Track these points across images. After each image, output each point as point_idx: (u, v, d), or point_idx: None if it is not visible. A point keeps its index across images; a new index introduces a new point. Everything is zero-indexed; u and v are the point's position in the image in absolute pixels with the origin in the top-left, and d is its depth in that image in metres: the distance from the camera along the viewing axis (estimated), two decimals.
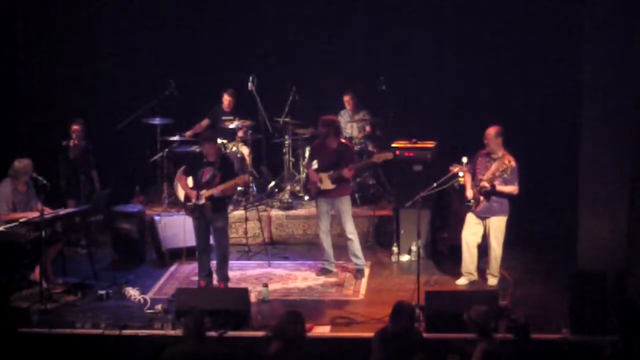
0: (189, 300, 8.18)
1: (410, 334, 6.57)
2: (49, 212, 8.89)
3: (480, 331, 6.43)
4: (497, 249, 9.02)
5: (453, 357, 6.72)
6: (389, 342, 6.50)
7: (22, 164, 9.02)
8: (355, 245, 9.53)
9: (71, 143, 10.83)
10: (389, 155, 9.59)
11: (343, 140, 9.73)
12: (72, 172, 10.87)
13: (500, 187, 8.82)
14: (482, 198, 8.90)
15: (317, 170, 9.42)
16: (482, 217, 8.99)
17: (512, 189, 8.86)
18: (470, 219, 9.05)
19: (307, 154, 11.53)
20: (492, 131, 8.90)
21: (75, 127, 10.86)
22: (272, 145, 11.93)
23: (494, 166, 8.88)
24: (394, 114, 11.57)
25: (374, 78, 11.67)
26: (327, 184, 9.37)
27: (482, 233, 9.05)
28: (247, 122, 11.55)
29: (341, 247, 9.79)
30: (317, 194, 9.49)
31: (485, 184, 8.80)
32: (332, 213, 9.57)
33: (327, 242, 9.61)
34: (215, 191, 8.82)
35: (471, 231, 9.05)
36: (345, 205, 9.45)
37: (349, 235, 9.48)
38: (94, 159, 11.11)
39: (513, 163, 8.85)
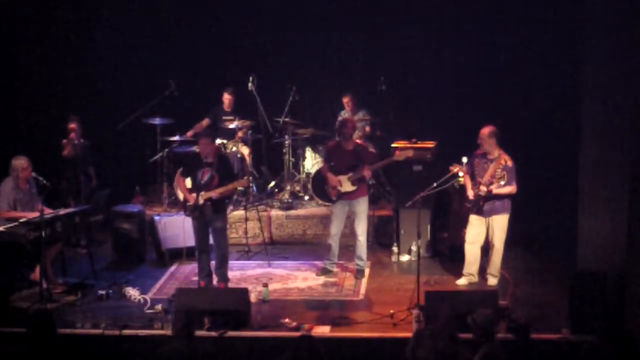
0: (189, 300, 8.17)
1: (448, 339, 6.52)
2: (48, 212, 8.90)
3: (484, 335, 6.40)
4: (500, 248, 9.02)
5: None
6: (422, 342, 6.43)
7: (18, 161, 9.03)
8: (362, 247, 9.54)
9: (71, 142, 10.82)
10: (409, 153, 9.54)
11: (359, 141, 9.73)
12: (73, 171, 10.86)
13: (498, 190, 8.82)
14: (482, 202, 8.89)
15: (334, 173, 9.41)
16: (485, 216, 8.99)
17: (510, 189, 8.86)
18: (474, 220, 9.04)
19: (307, 153, 11.53)
20: (485, 131, 8.90)
21: (73, 125, 10.85)
22: (272, 145, 11.93)
23: (491, 168, 8.87)
24: (394, 114, 11.57)
25: (373, 78, 11.67)
26: (348, 186, 9.35)
27: (485, 233, 9.05)
28: (247, 122, 11.55)
29: (340, 247, 9.78)
30: (338, 197, 9.47)
31: (484, 188, 8.81)
32: (348, 214, 9.56)
33: (336, 242, 9.60)
34: (214, 194, 8.81)
35: (475, 232, 9.05)
36: (363, 206, 9.47)
37: (360, 237, 9.49)
38: (92, 155, 11.11)
39: (509, 163, 8.85)
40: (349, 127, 9.46)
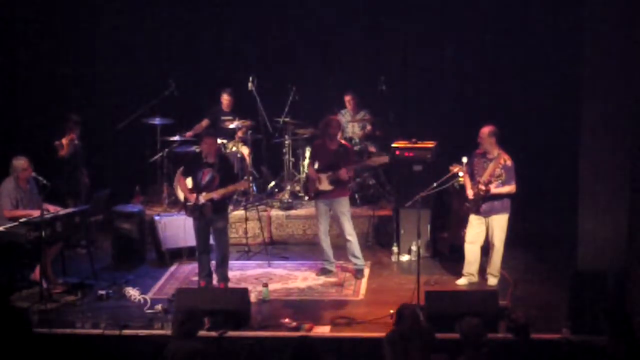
0: (189, 300, 8.17)
1: (416, 335, 6.54)
2: (54, 210, 8.94)
3: (469, 343, 6.38)
4: (500, 248, 9.02)
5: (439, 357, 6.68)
6: (397, 344, 6.49)
7: (19, 161, 9.07)
8: (354, 246, 9.52)
9: (72, 141, 10.78)
10: (384, 159, 9.59)
11: (343, 142, 9.73)
12: (72, 171, 10.82)
13: (497, 190, 8.82)
14: (481, 202, 8.89)
15: (317, 171, 9.42)
16: (485, 216, 8.99)
17: (509, 189, 8.86)
18: (473, 220, 9.04)
19: (307, 153, 11.53)
20: (485, 130, 8.91)
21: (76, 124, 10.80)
22: (272, 145, 11.93)
23: (490, 167, 8.87)
24: (394, 114, 11.58)
25: (374, 78, 11.68)
26: (325, 185, 9.36)
27: (485, 233, 9.05)
28: (247, 122, 11.55)
29: (341, 247, 9.78)
30: (316, 195, 9.49)
31: (482, 187, 8.81)
32: (331, 214, 9.57)
33: (326, 242, 9.61)
34: (215, 195, 8.82)
35: (474, 232, 9.05)
36: (343, 207, 9.45)
37: (348, 237, 9.48)
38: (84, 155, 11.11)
39: (509, 162, 8.85)
40: (333, 127, 9.44)
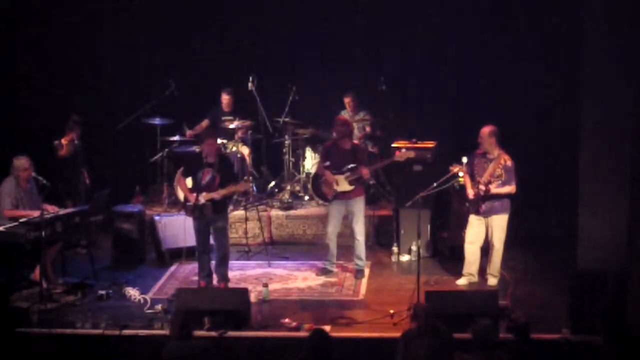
0: (189, 300, 8.18)
1: (430, 333, 6.54)
2: (54, 210, 8.93)
3: (482, 345, 6.38)
4: (500, 248, 9.03)
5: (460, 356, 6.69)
6: (411, 342, 6.49)
7: (20, 161, 9.06)
8: (362, 247, 9.54)
9: (72, 142, 10.78)
10: (410, 154, 9.57)
11: (355, 141, 9.74)
12: (72, 171, 10.83)
13: (496, 190, 8.83)
14: (481, 202, 8.89)
15: (331, 172, 9.41)
16: (485, 216, 8.99)
17: (509, 189, 8.86)
18: (473, 220, 9.05)
19: (307, 153, 11.53)
20: (485, 130, 8.91)
21: (77, 125, 10.80)
22: (272, 145, 11.93)
23: (490, 167, 8.87)
24: (394, 114, 11.57)
25: (374, 78, 11.67)
26: (345, 186, 9.35)
27: (484, 233, 9.05)
28: (247, 122, 11.55)
29: (341, 247, 9.79)
30: (334, 196, 9.46)
31: (482, 187, 8.81)
32: (344, 214, 9.55)
33: (334, 242, 9.60)
34: (216, 195, 8.82)
35: (474, 232, 9.05)
36: (360, 206, 9.47)
37: (358, 237, 9.48)
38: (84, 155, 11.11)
39: (509, 162, 8.86)
40: (337, 126, 9.46)
